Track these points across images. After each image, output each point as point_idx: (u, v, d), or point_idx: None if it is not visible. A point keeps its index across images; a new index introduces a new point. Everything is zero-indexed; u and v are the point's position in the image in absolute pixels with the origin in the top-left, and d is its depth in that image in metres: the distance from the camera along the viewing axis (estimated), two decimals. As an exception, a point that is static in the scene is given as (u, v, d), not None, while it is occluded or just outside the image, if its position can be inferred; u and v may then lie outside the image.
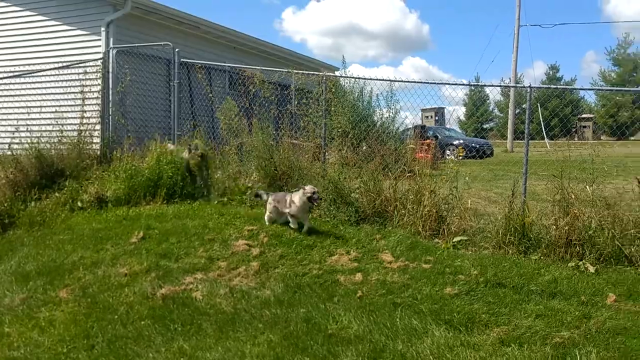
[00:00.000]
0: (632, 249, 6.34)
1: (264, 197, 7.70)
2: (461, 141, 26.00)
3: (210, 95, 11.24)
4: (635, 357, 4.07)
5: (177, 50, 10.70)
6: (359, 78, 11.09)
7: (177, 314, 5.12)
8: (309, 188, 7.08)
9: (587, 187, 6.93)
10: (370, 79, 9.73)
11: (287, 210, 7.25)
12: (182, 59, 10.89)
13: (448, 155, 22.84)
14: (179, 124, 10.70)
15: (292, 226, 7.27)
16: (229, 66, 12.60)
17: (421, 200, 7.63)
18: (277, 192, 7.92)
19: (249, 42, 16.23)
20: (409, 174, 8.17)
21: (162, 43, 11.13)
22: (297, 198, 7.12)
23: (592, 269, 6.13)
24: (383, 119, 12.83)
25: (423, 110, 37.80)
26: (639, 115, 50.43)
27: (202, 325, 4.87)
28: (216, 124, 10.94)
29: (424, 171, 8.06)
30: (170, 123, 10.90)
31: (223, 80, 13.82)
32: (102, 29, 11.52)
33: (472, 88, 62.67)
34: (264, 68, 10.56)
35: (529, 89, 7.72)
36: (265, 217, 7.59)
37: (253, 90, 9.64)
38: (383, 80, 9.27)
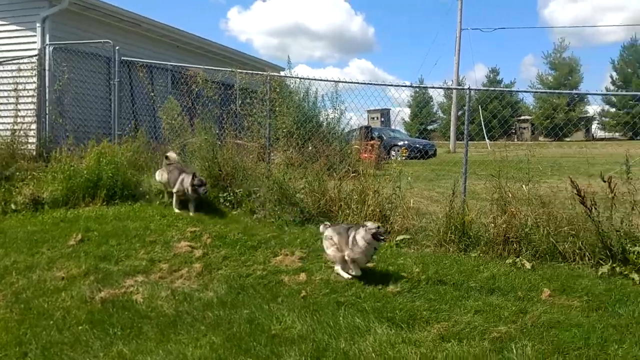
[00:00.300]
0: (566, 246, 6.60)
1: (321, 229, 6.28)
2: (405, 142, 26.40)
3: (152, 94, 11.01)
4: (567, 349, 4.23)
5: (117, 48, 10.43)
6: (303, 78, 11.11)
7: (116, 317, 4.98)
8: (370, 224, 5.80)
9: (524, 186, 7.16)
10: (315, 79, 9.78)
11: (346, 252, 5.81)
12: (122, 57, 10.62)
13: (393, 155, 23.18)
14: (119, 123, 10.43)
15: (352, 273, 5.81)
16: (171, 65, 12.38)
17: (365, 200, 7.72)
18: (335, 223, 6.64)
19: (192, 40, 16.02)
20: (354, 174, 8.24)
21: (101, 40, 10.83)
22: (359, 237, 5.74)
23: (528, 265, 6.35)
24: (328, 119, 12.89)
25: (369, 112, 38.31)
26: (573, 117, 52.67)
27: (142, 328, 4.76)
28: (158, 123, 10.74)
29: (368, 171, 8.15)
30: (111, 122, 10.61)
31: (165, 79, 13.57)
32: (38, 24, 11.12)
33: (417, 90, 63.91)
34: (206, 67, 10.43)
35: (468, 91, 7.92)
36: (330, 257, 6.05)
37: (196, 89, 9.51)
38: (327, 80, 9.33)
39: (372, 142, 15.22)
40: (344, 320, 4.76)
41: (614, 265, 6.22)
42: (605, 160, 9.38)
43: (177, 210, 8.25)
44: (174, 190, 8.23)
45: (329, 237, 5.99)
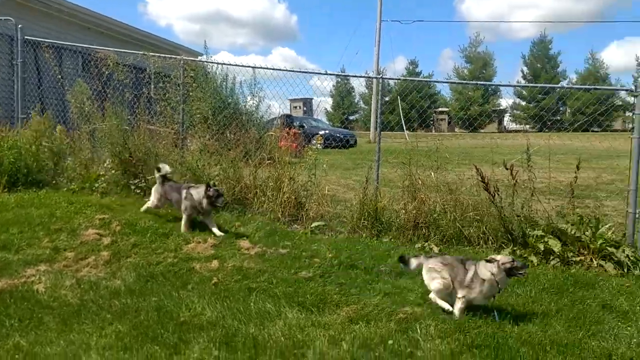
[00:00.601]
0: (471, 230, 6.91)
1: (412, 263, 4.99)
2: (327, 131, 26.69)
3: (60, 77, 10.47)
4: (467, 327, 4.38)
5: (20, 26, 9.83)
6: (218, 63, 10.92)
7: (14, 308, 4.72)
8: (503, 258, 4.71)
9: (432, 173, 7.41)
10: (231, 64, 9.60)
11: (461, 293, 4.68)
12: (27, 37, 10.02)
13: (313, 144, 23.35)
14: (23, 106, 9.85)
15: (456, 313, 4.67)
16: (80, 46, 11.82)
17: (281, 187, 7.75)
18: (441, 255, 5.37)
19: (105, 22, 15.45)
20: (269, 162, 8.23)
21: (1, 18, 10.17)
22: (484, 272, 4.62)
23: (436, 249, 6.61)
24: (247, 106, 12.78)
25: (291, 101, 38.40)
26: (487, 109, 54.95)
27: (43, 319, 4.55)
28: (67, 107, 10.24)
29: (284, 159, 8.17)
30: (14, 105, 10.01)
31: (75, 61, 12.97)
32: None
33: (339, 80, 64.61)
34: (117, 49, 10.03)
35: (380, 80, 8.07)
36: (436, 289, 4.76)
37: (107, 72, 9.14)
38: (243, 66, 9.19)
39: (293, 130, 15.30)
40: (255, 305, 4.76)
41: (515, 248, 6.59)
42: (512, 150, 9.84)
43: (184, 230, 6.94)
44: (187, 213, 6.97)
45: (434, 269, 4.81)
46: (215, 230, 6.80)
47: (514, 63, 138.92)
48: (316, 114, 39.83)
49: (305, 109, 42.19)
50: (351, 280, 5.49)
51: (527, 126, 58.13)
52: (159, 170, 7.33)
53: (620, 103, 49.19)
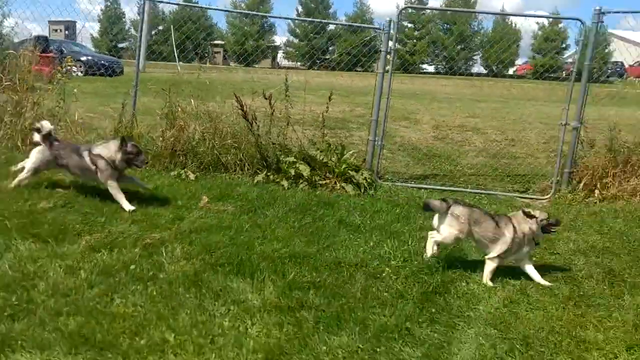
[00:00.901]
0: (228, 157, 7.05)
1: (440, 206, 4.45)
2: (89, 57, 24.65)
3: None
4: (214, 248, 4.51)
5: None
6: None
7: None
8: (540, 214, 4.48)
9: (193, 101, 7.30)
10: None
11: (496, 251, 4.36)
12: None
13: (74, 71, 21.46)
14: None
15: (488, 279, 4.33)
16: None
17: (22, 112, 6.98)
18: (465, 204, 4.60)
19: None
20: (8, 84, 7.33)
21: None
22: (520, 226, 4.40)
23: (192, 177, 6.61)
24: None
25: (51, 23, 34.60)
26: (262, 45, 55.84)
27: None
28: None
29: (29, 82, 7.36)
30: None
31: None
32: None
33: (109, 4, 59.91)
34: None
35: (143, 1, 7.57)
36: (444, 239, 4.44)
37: None
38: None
39: (49, 54, 13.84)
40: (-22, 241, 4.27)
41: (269, 173, 6.88)
42: (280, 84, 10.13)
43: None
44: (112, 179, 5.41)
45: (458, 217, 4.37)
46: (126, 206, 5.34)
47: (291, 1, 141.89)
48: (80, 39, 36.46)
49: (67, 32, 38.52)
50: (97, 209, 5.21)
51: (299, 63, 60.43)
52: (39, 130, 5.58)
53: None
